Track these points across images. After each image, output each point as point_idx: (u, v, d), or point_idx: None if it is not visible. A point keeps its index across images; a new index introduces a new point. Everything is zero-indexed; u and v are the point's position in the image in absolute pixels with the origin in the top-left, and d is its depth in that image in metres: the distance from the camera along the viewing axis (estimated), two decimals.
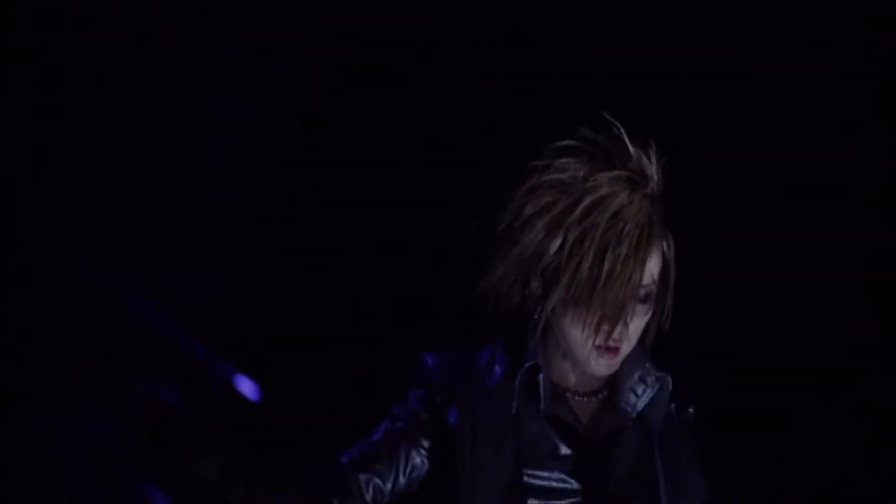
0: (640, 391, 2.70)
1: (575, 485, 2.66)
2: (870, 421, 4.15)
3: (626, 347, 2.65)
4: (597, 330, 2.60)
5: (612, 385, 2.72)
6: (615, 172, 2.62)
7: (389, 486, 2.69)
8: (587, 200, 2.60)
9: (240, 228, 4.38)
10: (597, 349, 2.63)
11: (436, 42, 4.28)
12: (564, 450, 2.67)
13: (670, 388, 2.72)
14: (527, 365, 2.68)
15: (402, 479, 2.69)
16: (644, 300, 2.64)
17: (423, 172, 4.25)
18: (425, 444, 2.71)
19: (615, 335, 2.62)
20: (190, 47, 4.29)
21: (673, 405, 2.75)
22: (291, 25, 4.36)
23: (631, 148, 2.66)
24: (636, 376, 2.70)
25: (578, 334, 2.62)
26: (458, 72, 4.24)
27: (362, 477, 2.67)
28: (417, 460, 2.71)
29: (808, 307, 4.15)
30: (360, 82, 4.32)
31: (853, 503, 4.13)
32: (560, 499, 2.66)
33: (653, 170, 2.65)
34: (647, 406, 2.70)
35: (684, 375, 2.78)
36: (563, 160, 2.65)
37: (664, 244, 2.67)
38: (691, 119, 4.11)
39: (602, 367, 2.66)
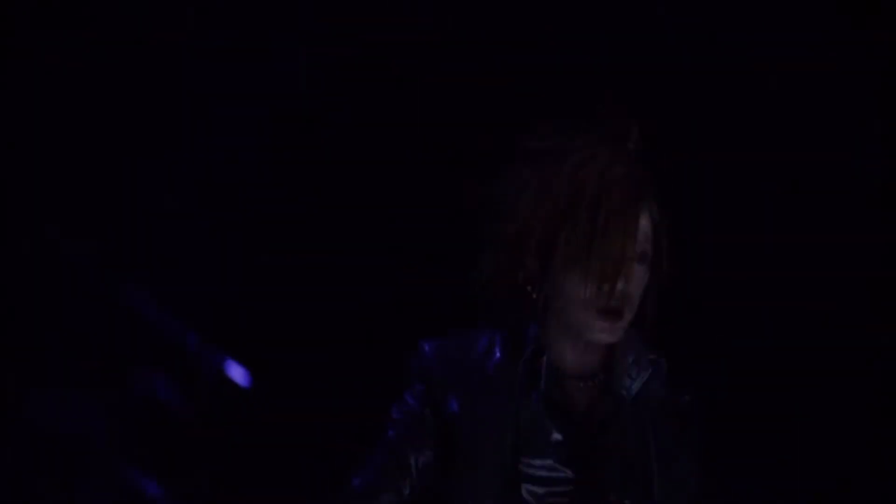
0: (634, 374, 2.70)
1: (569, 473, 2.66)
2: (870, 421, 4.15)
3: (628, 313, 2.65)
4: (598, 289, 2.61)
5: (609, 368, 2.72)
6: (595, 133, 2.65)
7: (407, 492, 2.70)
8: (571, 162, 2.62)
9: (239, 228, 4.38)
10: (599, 314, 2.63)
11: (436, 42, 4.28)
12: (559, 436, 2.67)
13: (665, 371, 2.73)
14: (529, 349, 2.69)
15: (416, 484, 2.71)
16: (641, 260, 2.65)
17: (423, 172, 4.25)
18: (431, 442, 2.71)
19: (616, 294, 2.61)
20: (190, 47, 4.29)
21: (668, 391, 2.75)
22: (291, 25, 4.35)
23: (607, 109, 2.67)
24: (631, 359, 2.71)
25: (580, 299, 2.62)
26: (458, 72, 4.24)
27: (384, 497, 2.68)
28: (426, 460, 2.71)
29: (809, 307, 4.15)
30: (360, 82, 4.32)
31: (853, 503, 4.13)
32: (554, 486, 2.66)
33: (631, 128, 2.67)
34: (641, 390, 2.70)
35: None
36: (541, 132, 2.67)
37: (653, 206, 2.68)
38: (691, 119, 4.11)
39: (605, 333, 2.65)
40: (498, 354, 2.74)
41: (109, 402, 4.26)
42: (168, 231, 4.34)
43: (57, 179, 4.27)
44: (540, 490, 2.66)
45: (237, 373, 4.32)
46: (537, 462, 2.66)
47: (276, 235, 4.33)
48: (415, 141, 4.28)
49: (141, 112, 4.29)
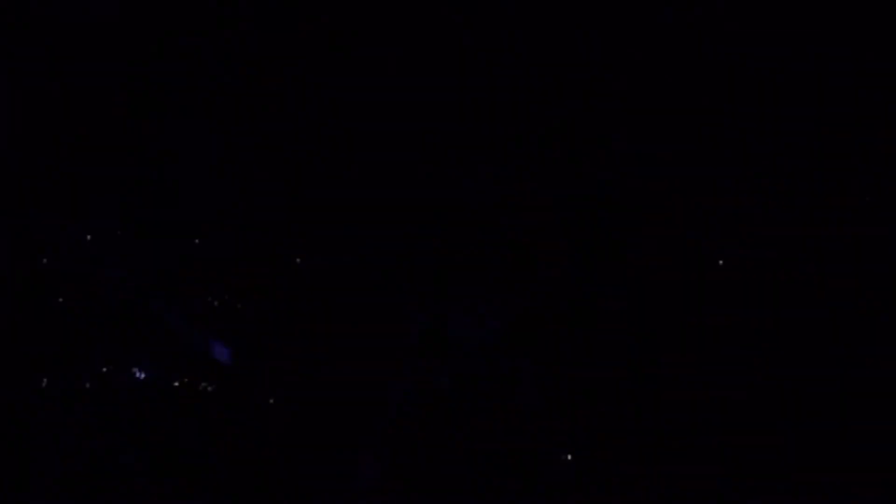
0: None
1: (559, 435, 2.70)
2: (870, 420, 4.15)
3: None
4: None
5: None
6: None
7: None
8: None
9: (236, 222, 4.39)
10: None
11: (438, 45, 4.29)
12: (549, 400, 2.71)
13: None
14: (522, 318, 2.73)
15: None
16: None
17: (424, 171, 4.25)
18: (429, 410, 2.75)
19: None
20: (194, 42, 4.31)
21: None
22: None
23: None
24: None
25: None
26: (459, 72, 4.25)
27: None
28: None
29: (809, 307, 4.15)
30: (360, 82, 4.34)
31: (853, 503, 4.13)
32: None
33: None
34: None
35: (686, 375, 2.79)
36: None
37: None
38: (694, 116, 4.12)
39: None
40: (493, 328, 2.77)
41: (94, 377, 4.28)
42: (155, 216, 4.36)
43: (49, 165, 4.30)
44: None
45: (220, 352, 4.33)
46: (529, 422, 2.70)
47: (264, 220, 4.35)
48: (414, 140, 4.30)
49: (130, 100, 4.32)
